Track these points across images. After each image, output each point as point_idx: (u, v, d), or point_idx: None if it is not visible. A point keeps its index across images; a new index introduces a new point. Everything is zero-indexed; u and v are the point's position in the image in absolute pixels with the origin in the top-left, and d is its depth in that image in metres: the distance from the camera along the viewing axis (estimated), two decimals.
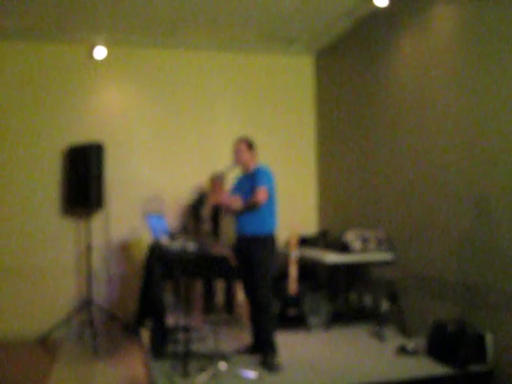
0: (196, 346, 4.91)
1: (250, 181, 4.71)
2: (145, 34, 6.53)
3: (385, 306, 5.50)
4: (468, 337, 4.24)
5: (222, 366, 4.39)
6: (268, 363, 4.44)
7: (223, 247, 5.58)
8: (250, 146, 4.83)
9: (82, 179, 6.15)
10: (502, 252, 4.16)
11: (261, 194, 4.54)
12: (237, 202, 4.66)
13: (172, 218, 6.65)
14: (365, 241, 5.64)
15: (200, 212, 5.97)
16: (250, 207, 4.61)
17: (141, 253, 6.33)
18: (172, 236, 5.21)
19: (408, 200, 5.41)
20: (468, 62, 4.56)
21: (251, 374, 4.27)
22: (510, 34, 4.10)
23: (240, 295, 5.72)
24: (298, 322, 5.70)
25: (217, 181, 6.11)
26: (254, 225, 4.65)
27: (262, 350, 4.58)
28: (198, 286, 6.12)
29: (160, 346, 4.83)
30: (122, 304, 6.55)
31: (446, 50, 4.82)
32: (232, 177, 5.25)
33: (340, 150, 6.85)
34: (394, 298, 5.44)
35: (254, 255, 4.61)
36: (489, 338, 4.21)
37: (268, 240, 4.67)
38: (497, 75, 4.23)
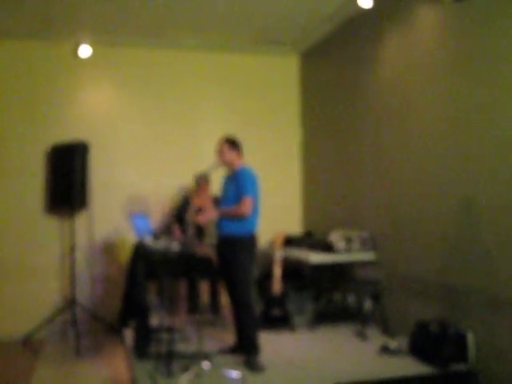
0: (179, 346, 4.90)
1: (234, 182, 4.72)
2: (131, 34, 6.51)
3: (368, 305, 5.53)
4: (450, 336, 4.28)
5: (206, 365, 4.40)
6: (251, 363, 4.45)
7: (207, 247, 5.58)
8: (232, 145, 4.81)
9: (67, 178, 6.12)
10: (484, 252, 4.20)
11: (246, 207, 4.55)
12: (214, 215, 4.71)
13: (156, 218, 6.65)
14: (349, 241, 5.66)
15: (184, 215, 5.96)
16: (236, 217, 4.62)
17: (125, 253, 6.30)
18: (156, 236, 5.20)
19: (392, 200, 5.44)
20: (452, 62, 4.59)
21: (234, 373, 4.28)
22: (494, 35, 4.14)
23: (224, 295, 5.72)
24: (282, 322, 5.71)
25: (201, 182, 6.09)
26: (233, 225, 4.64)
27: (245, 350, 4.59)
28: (182, 286, 6.12)
29: (143, 346, 4.82)
30: (105, 304, 6.52)
31: (431, 51, 4.86)
32: (217, 176, 5.24)
33: (325, 150, 6.88)
34: (377, 297, 5.47)
35: (234, 255, 4.62)
36: (470, 338, 4.24)
37: (248, 240, 4.67)
38: (481, 76, 4.27)
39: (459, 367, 4.25)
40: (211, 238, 5.73)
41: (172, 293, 5.75)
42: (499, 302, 4.03)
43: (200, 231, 5.84)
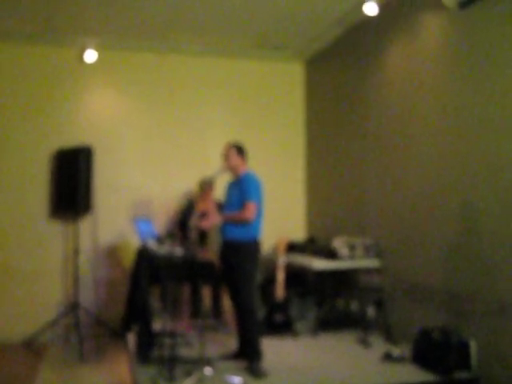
0: (182, 351, 4.90)
1: (238, 188, 4.73)
2: (136, 39, 6.53)
3: (371, 312, 5.52)
4: (453, 344, 4.26)
5: (208, 371, 4.39)
6: (253, 369, 4.45)
7: (210, 252, 5.58)
8: (239, 151, 4.84)
9: (71, 182, 6.13)
10: (487, 259, 4.19)
11: (250, 212, 4.56)
12: (218, 220, 4.69)
13: (160, 223, 6.65)
14: (352, 247, 5.66)
15: (188, 220, 5.96)
16: (239, 222, 4.62)
17: (128, 257, 6.31)
18: (159, 240, 5.20)
19: (395, 207, 5.44)
20: (456, 69, 4.60)
21: (237, 379, 4.27)
22: (498, 42, 4.15)
23: (227, 300, 5.72)
24: (284, 328, 5.70)
25: (206, 186, 6.11)
26: (237, 231, 4.65)
27: (248, 356, 4.59)
28: (185, 291, 6.11)
29: (146, 350, 4.82)
30: (108, 308, 6.52)
31: (435, 58, 4.86)
32: (222, 181, 5.25)
33: (329, 156, 6.88)
34: (380, 304, 5.46)
35: (237, 261, 4.62)
36: (473, 346, 4.23)
37: (251, 246, 4.67)
38: (483, 83, 4.28)
39: (462, 375, 4.24)
40: (214, 243, 5.74)
41: (175, 297, 5.74)
42: (502, 309, 4.02)
43: (202, 236, 5.84)
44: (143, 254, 5.14)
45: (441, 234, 4.74)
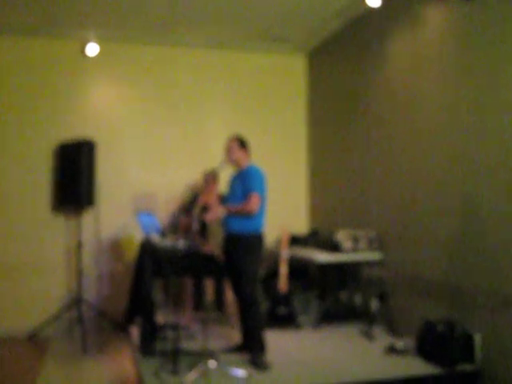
0: (185, 344, 4.90)
1: (241, 180, 4.71)
2: (137, 31, 6.51)
3: (374, 305, 5.52)
4: (457, 336, 4.26)
5: (211, 364, 4.37)
6: (256, 361, 4.45)
7: (213, 245, 5.57)
8: (241, 144, 4.82)
9: (73, 176, 6.13)
10: (490, 252, 4.18)
11: (254, 203, 4.54)
12: (221, 212, 4.67)
13: (163, 216, 6.65)
14: (355, 240, 5.65)
15: (192, 211, 5.96)
16: (243, 214, 4.60)
17: (131, 250, 6.32)
18: (162, 234, 5.19)
19: (398, 200, 5.42)
20: (458, 62, 4.58)
21: (240, 372, 4.27)
22: (501, 36, 4.12)
23: (230, 293, 5.72)
24: (287, 321, 5.70)
25: (209, 178, 6.10)
26: (240, 223, 4.63)
27: (251, 349, 4.59)
28: (188, 284, 6.12)
29: (149, 343, 4.82)
30: (111, 301, 6.53)
31: (437, 51, 4.84)
32: (225, 174, 5.25)
33: (331, 149, 6.86)
34: (383, 297, 5.45)
35: (240, 254, 4.61)
36: (477, 338, 4.22)
37: (254, 239, 4.65)
38: (487, 74, 4.25)
39: (466, 367, 4.23)
40: (216, 236, 5.74)
41: (178, 290, 5.75)
42: (506, 302, 4.01)
43: (203, 229, 5.84)
44: (146, 248, 5.14)
45: (444, 227, 4.73)
